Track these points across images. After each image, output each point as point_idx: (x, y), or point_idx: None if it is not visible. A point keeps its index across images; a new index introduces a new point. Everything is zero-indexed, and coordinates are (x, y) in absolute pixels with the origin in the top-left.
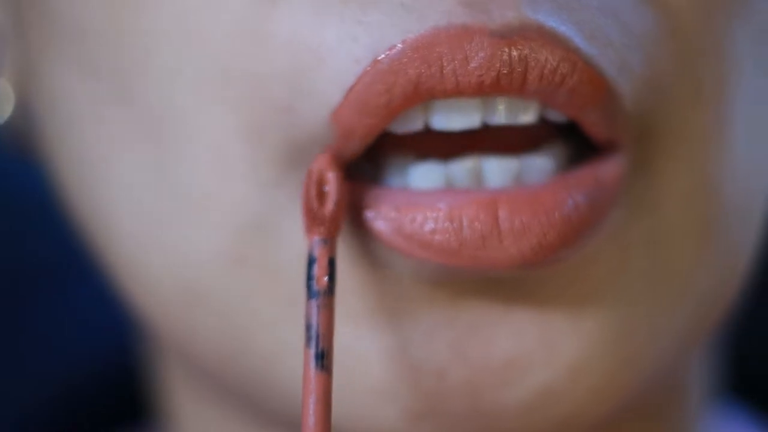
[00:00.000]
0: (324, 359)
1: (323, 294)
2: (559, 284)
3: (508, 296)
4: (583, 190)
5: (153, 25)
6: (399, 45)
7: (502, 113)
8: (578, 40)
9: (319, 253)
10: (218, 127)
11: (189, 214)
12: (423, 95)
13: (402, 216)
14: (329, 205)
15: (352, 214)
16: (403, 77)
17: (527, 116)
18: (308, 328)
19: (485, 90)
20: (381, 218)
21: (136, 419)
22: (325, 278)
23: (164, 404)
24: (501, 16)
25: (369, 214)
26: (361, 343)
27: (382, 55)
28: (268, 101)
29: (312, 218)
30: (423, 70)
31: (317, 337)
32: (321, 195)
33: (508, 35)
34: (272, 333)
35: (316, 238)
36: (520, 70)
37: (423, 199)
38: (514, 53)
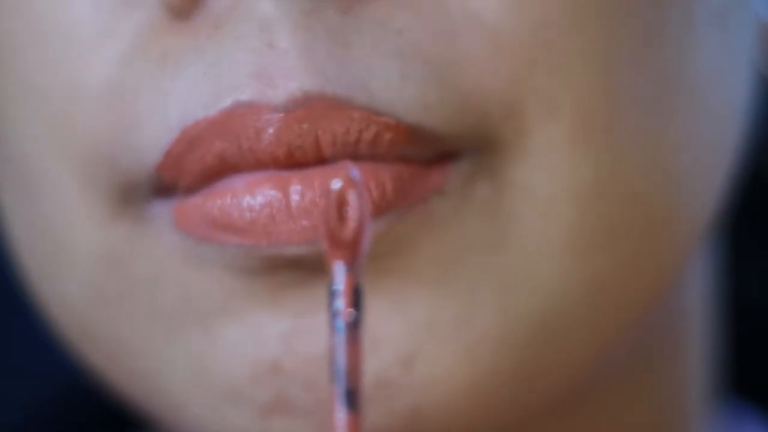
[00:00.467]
0: (353, 396)
1: (350, 327)
2: (378, 270)
3: (324, 288)
4: (393, 176)
5: (2, 80)
6: (201, 120)
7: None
8: (363, 97)
9: (345, 283)
10: (59, 175)
11: (55, 254)
12: (230, 168)
13: (204, 203)
14: (350, 228)
15: (175, 225)
16: (210, 152)
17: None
18: (334, 363)
19: (282, 164)
20: (189, 212)
21: (137, 421)
22: (351, 309)
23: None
24: (285, 89)
25: (182, 214)
26: (197, 346)
27: (190, 128)
28: (95, 153)
29: (333, 241)
30: (225, 147)
31: (344, 373)
32: (342, 215)
33: (292, 108)
34: (146, 356)
35: (340, 264)
36: (310, 141)
37: (225, 184)
38: (303, 126)
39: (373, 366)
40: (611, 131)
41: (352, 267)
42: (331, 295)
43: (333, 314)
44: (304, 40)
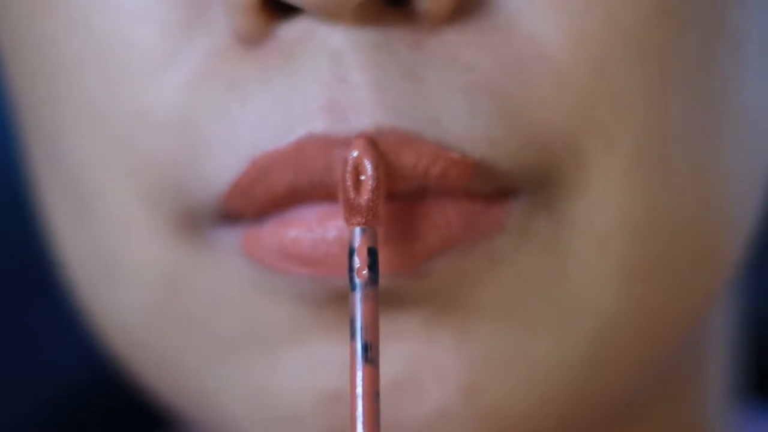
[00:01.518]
0: (369, 352)
1: (365, 285)
2: (443, 305)
3: (393, 316)
4: (458, 211)
5: (64, 103)
6: (271, 152)
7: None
8: (433, 132)
9: (359, 243)
10: (121, 197)
11: (112, 273)
12: (300, 198)
13: (275, 233)
14: (366, 194)
15: (243, 252)
16: (280, 183)
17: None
18: (352, 321)
19: None
20: (259, 241)
21: (138, 421)
22: (365, 271)
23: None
24: (358, 123)
25: (252, 243)
26: (258, 372)
27: (259, 159)
28: (161, 178)
29: (350, 208)
30: (295, 178)
31: (361, 330)
32: (358, 183)
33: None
34: (202, 375)
35: (356, 228)
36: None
37: (296, 215)
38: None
39: (436, 397)
40: (664, 165)
41: (367, 231)
42: (349, 254)
43: (350, 272)
44: (376, 75)
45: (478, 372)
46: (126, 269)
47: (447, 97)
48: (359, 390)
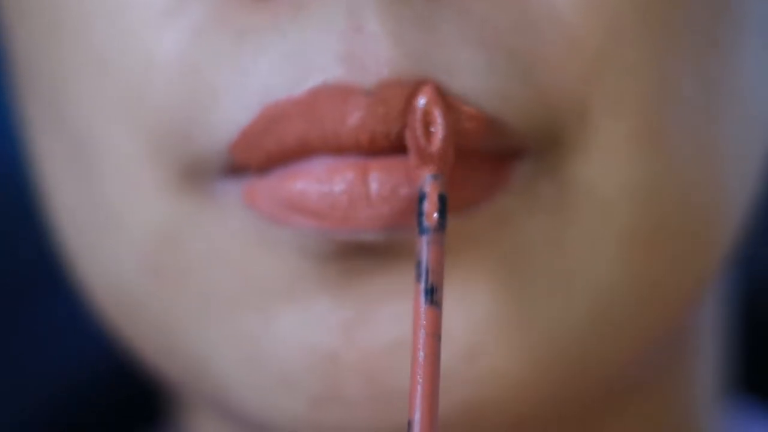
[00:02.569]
0: (434, 294)
1: (434, 230)
2: (447, 263)
3: (393, 276)
4: (462, 172)
5: (71, 55)
6: (284, 100)
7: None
8: (453, 84)
9: (430, 189)
10: (125, 148)
11: (109, 228)
12: (310, 150)
13: (280, 185)
14: (437, 142)
15: (245, 204)
16: (291, 133)
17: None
18: (419, 264)
19: (365, 150)
20: (262, 192)
21: (139, 419)
22: (435, 214)
23: (167, 408)
24: (377, 72)
25: (255, 194)
26: (253, 329)
27: (271, 107)
28: (167, 128)
29: (420, 155)
30: (307, 128)
31: (427, 272)
32: (428, 132)
33: (384, 94)
34: (195, 336)
35: (428, 175)
36: (396, 129)
37: (302, 167)
38: (390, 111)
39: None
40: (668, 134)
41: (439, 177)
42: (420, 199)
43: (419, 216)
44: (393, 25)
45: (479, 333)
46: (124, 224)
47: (464, 49)
48: (422, 332)
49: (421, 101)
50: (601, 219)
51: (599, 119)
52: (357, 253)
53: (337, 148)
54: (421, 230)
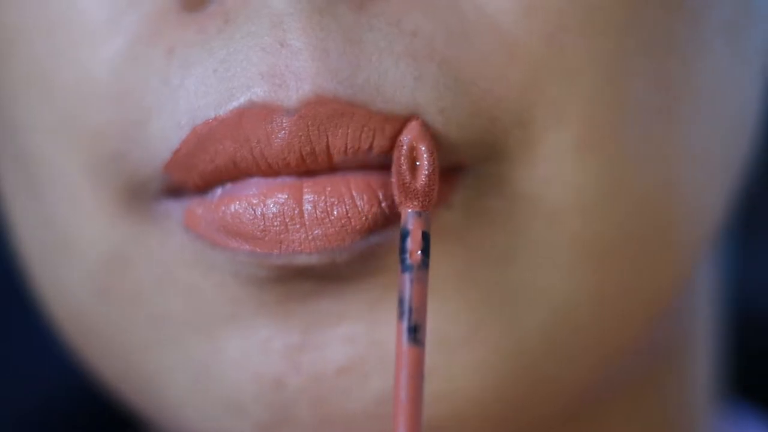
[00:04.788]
0: (417, 333)
1: (417, 268)
2: (388, 284)
3: (337, 299)
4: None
5: (15, 75)
6: (212, 120)
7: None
8: (377, 100)
9: (413, 226)
10: (68, 170)
11: (61, 251)
12: (243, 171)
13: (217, 207)
14: (422, 178)
15: (186, 226)
16: (222, 153)
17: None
18: (401, 302)
19: (294, 171)
20: (201, 215)
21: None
22: (419, 252)
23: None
24: (298, 90)
25: (194, 216)
26: (201, 354)
27: (199, 128)
28: (104, 148)
29: (405, 191)
30: (236, 149)
31: (410, 311)
32: (413, 167)
33: (305, 112)
34: (147, 359)
35: (410, 211)
36: (321, 146)
37: (238, 188)
38: (315, 130)
39: (383, 381)
40: (618, 140)
41: (423, 215)
42: (402, 236)
43: (402, 254)
44: (317, 39)
45: (427, 353)
46: (74, 246)
47: (390, 61)
48: (404, 372)
49: (407, 137)
50: (551, 230)
51: (542, 129)
52: (295, 277)
53: (269, 171)
54: (404, 268)
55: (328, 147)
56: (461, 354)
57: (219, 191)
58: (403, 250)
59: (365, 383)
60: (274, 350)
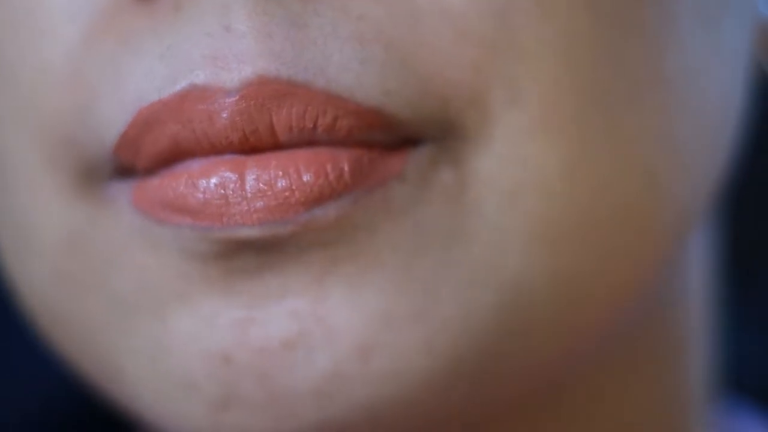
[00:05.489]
0: None
1: None
2: (334, 258)
3: (281, 273)
4: (350, 157)
5: None
6: (155, 102)
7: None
8: (320, 81)
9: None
10: (27, 156)
11: (23, 238)
12: (187, 153)
13: (162, 184)
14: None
15: (133, 206)
16: (164, 135)
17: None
18: None
19: (238, 149)
20: (147, 193)
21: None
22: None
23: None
24: (239, 72)
25: (140, 195)
26: (153, 333)
27: (144, 110)
28: (58, 133)
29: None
30: (179, 130)
31: None
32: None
33: (246, 92)
34: (107, 343)
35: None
36: (265, 125)
37: (184, 166)
38: (257, 110)
39: (329, 357)
40: (578, 122)
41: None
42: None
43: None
44: (261, 23)
45: (372, 330)
46: (34, 233)
47: (336, 46)
48: None
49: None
50: (506, 212)
51: (497, 110)
52: (238, 252)
53: (212, 149)
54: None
55: (272, 125)
56: (407, 331)
57: (164, 170)
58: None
59: (310, 359)
60: (220, 325)
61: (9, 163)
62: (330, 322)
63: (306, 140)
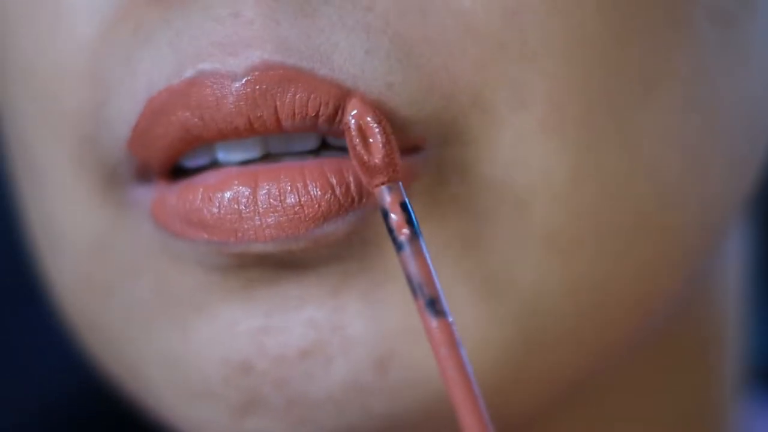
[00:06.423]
0: (436, 305)
1: (410, 241)
2: (350, 270)
3: (299, 284)
4: (354, 170)
5: (4, 64)
6: (163, 90)
7: (278, 145)
8: (325, 69)
9: (390, 201)
10: (57, 158)
11: (55, 242)
12: (196, 140)
13: (179, 197)
14: (378, 150)
15: (152, 216)
16: (175, 124)
17: (307, 144)
18: (409, 280)
19: (243, 134)
20: (165, 205)
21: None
22: (405, 227)
23: None
24: (246, 57)
25: (159, 206)
26: (172, 341)
27: (154, 99)
28: (80, 131)
29: (367, 170)
30: (188, 117)
31: (420, 287)
32: (367, 145)
33: (252, 78)
34: (128, 347)
35: (381, 188)
36: (269, 111)
37: (200, 180)
38: (262, 95)
39: (346, 367)
40: (586, 124)
41: (393, 187)
42: (384, 216)
43: (391, 233)
44: (269, 10)
45: (389, 341)
46: (64, 235)
47: (343, 35)
48: (443, 348)
49: (352, 113)
50: (518, 219)
51: (504, 111)
52: (256, 264)
53: (219, 135)
54: (398, 247)
55: (276, 111)
56: (424, 343)
57: (183, 182)
58: (390, 230)
59: (328, 368)
60: (240, 333)
61: (39, 164)
62: (347, 333)
63: (309, 128)
